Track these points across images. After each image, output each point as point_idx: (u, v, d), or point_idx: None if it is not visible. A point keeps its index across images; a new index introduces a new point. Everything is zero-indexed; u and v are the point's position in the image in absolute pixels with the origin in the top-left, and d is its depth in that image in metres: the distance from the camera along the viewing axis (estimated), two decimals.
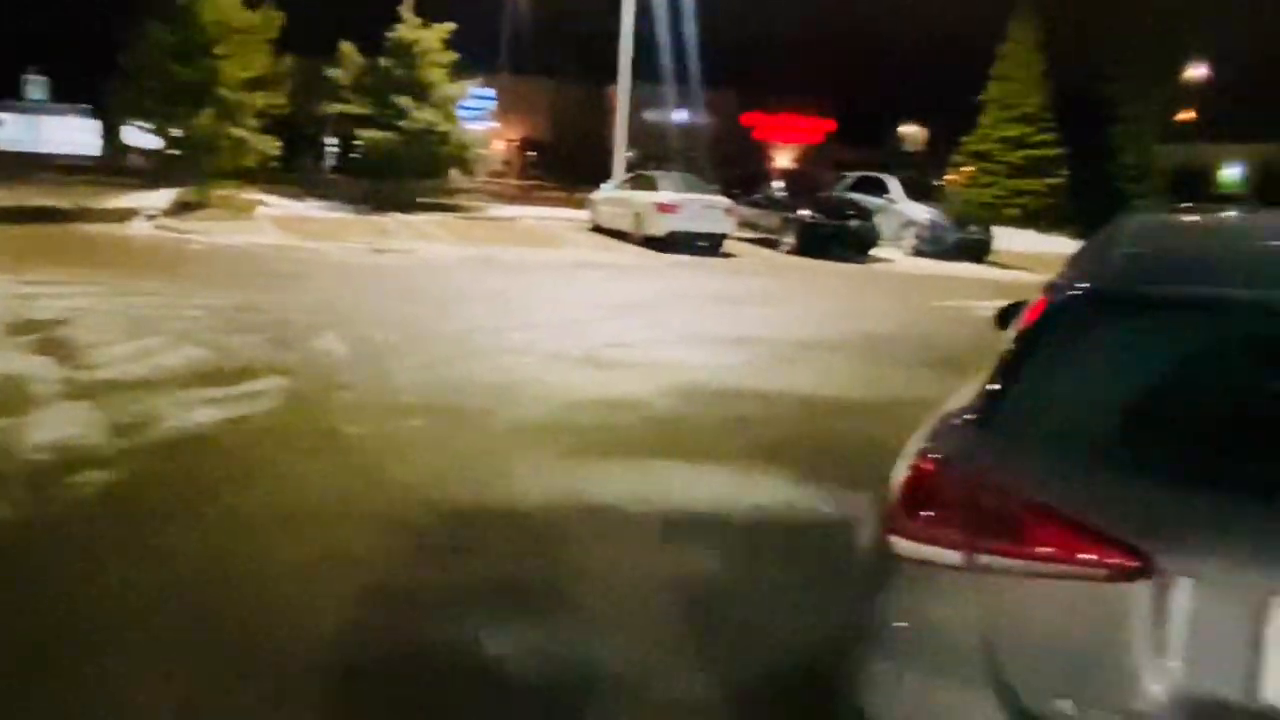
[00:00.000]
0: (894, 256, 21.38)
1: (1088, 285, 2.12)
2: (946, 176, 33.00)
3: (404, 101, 23.30)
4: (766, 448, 6.17)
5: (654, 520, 4.86)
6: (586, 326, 10.43)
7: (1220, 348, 2.07)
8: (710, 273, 16.73)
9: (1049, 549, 1.85)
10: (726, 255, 19.55)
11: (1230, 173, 45.25)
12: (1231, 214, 3.33)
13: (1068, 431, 2.00)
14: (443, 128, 23.83)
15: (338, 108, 24.53)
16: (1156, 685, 1.77)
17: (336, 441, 5.87)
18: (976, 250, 22.16)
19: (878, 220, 21.37)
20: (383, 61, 23.96)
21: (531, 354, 8.69)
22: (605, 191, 22.66)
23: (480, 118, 32.92)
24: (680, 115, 47.82)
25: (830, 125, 50.68)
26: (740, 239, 20.98)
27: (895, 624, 2.04)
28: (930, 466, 2.06)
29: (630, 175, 23.12)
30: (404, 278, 13.86)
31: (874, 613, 2.08)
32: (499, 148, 44.01)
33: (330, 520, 4.60)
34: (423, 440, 6.00)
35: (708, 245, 19.39)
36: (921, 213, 22.61)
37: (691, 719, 3.17)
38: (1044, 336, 2.09)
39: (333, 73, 24.37)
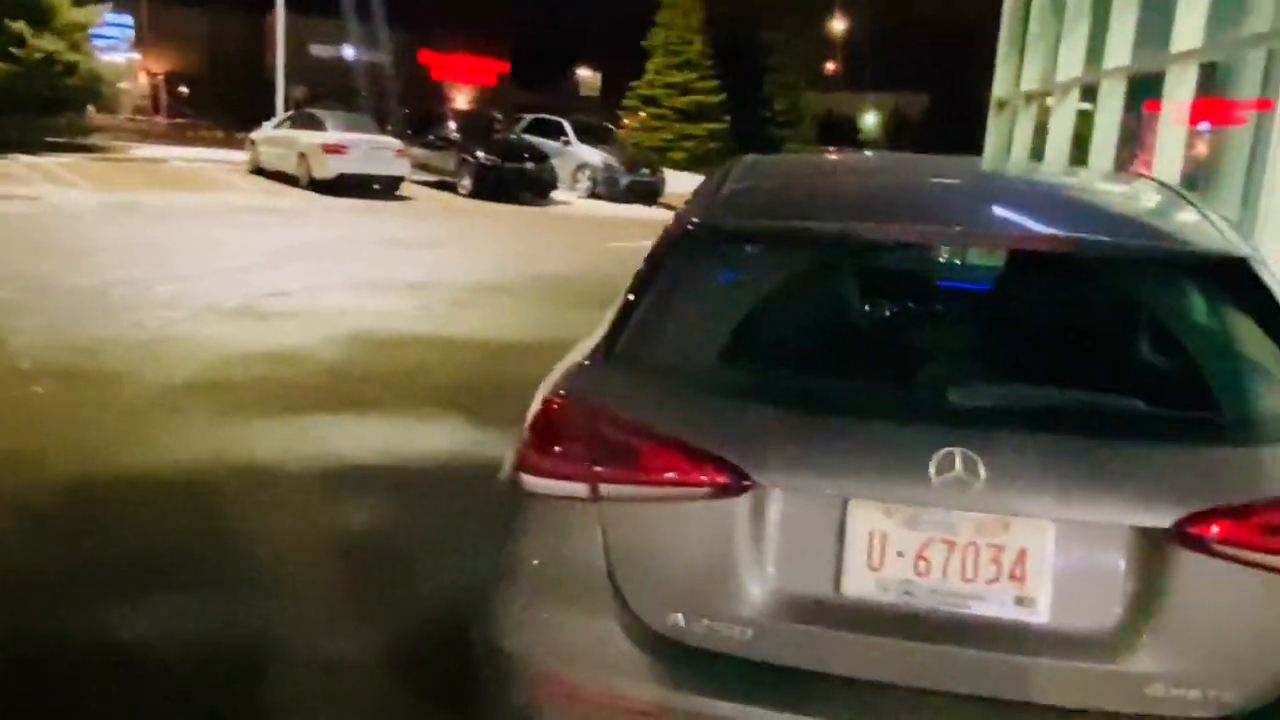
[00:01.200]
0: (570, 199, 21.72)
1: (695, 220, 2.22)
2: (625, 121, 33.90)
3: (18, 27, 20.40)
4: (438, 394, 6.09)
5: (316, 477, 4.66)
6: (245, 275, 9.74)
7: (809, 275, 2.24)
8: (384, 216, 16.17)
9: (660, 473, 1.93)
10: (402, 198, 18.98)
11: (869, 119, 49.97)
12: (833, 155, 3.64)
13: (678, 359, 2.10)
14: (68, 58, 21.16)
15: None
16: (757, 591, 1.91)
17: None
18: (648, 192, 22.98)
19: (554, 163, 21.57)
20: None
21: (180, 308, 8.00)
22: (266, 131, 21.15)
23: (117, 48, 29.60)
24: (351, 51, 45.63)
25: (504, 67, 50.38)
26: (418, 182, 20.43)
27: (527, 559, 2.06)
28: (555, 403, 2.08)
29: (293, 114, 21.75)
30: (27, 227, 12.23)
31: (508, 550, 2.09)
32: (142, 82, 39.86)
33: None
34: (46, 409, 5.36)
35: (382, 188, 18.73)
36: (595, 156, 23.07)
37: (347, 680, 3.08)
38: (656, 271, 2.17)
39: None
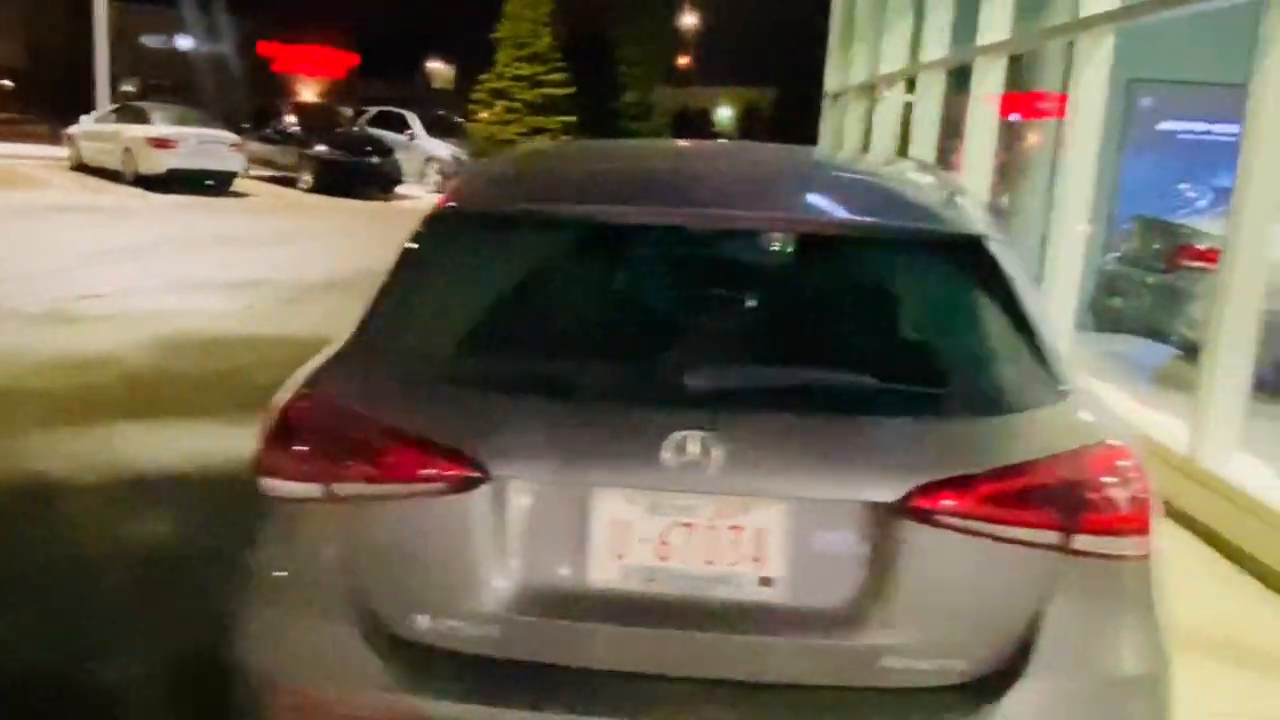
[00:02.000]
0: (419, 193, 21.29)
1: (449, 204, 2.16)
2: (480, 115, 33.31)
3: None
4: (252, 397, 5.75)
5: (110, 489, 4.41)
6: (55, 278, 9.16)
7: (561, 259, 2.21)
8: (217, 214, 15.49)
9: (395, 470, 1.86)
10: (238, 195, 18.22)
11: (723, 113, 50.75)
12: (605, 142, 3.62)
13: (423, 349, 2.03)
14: None
15: None
16: (501, 584, 1.86)
17: None
18: None
19: (400, 157, 21.13)
20: None
21: None
22: (87, 125, 20.00)
23: None
24: (187, 42, 43.65)
25: (354, 59, 48.94)
26: (258, 177, 19.70)
27: (267, 567, 1.96)
28: (289, 402, 1.99)
29: (116, 106, 20.62)
30: None
31: (250, 558, 1.99)
32: None
33: None
34: None
35: (216, 184, 17.95)
36: (443, 149, 22.75)
37: (120, 706, 2.90)
38: (406, 259, 2.11)
39: None
